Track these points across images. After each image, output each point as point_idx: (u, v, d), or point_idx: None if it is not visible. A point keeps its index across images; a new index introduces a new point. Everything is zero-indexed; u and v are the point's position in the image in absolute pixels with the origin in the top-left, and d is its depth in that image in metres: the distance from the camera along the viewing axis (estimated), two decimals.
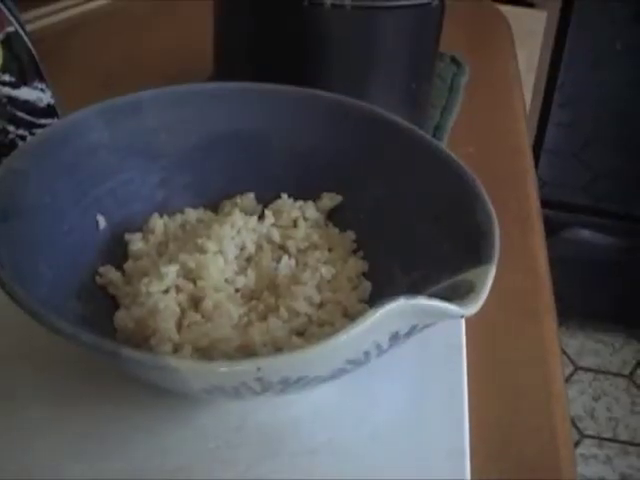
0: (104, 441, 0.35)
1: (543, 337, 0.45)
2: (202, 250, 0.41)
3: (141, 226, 0.44)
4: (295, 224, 0.44)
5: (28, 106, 0.49)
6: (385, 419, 0.37)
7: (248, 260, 0.42)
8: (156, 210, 0.44)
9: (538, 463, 0.37)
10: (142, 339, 0.37)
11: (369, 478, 0.34)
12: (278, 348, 0.36)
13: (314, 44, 0.52)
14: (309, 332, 0.38)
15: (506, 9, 0.94)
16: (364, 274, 0.42)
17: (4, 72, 0.48)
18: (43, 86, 0.50)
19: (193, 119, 0.45)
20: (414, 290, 0.31)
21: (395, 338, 0.31)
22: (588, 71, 1.33)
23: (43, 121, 0.50)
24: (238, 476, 0.34)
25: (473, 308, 0.30)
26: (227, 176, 0.46)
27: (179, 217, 0.44)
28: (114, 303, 0.40)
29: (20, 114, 0.49)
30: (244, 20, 0.54)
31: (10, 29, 0.47)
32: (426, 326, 0.31)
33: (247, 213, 0.44)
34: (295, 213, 0.44)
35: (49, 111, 0.51)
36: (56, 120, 0.51)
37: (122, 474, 0.34)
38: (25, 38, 0.48)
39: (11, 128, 0.49)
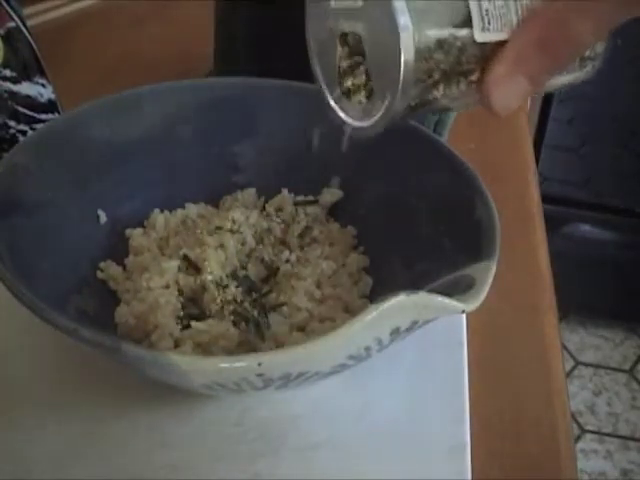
0: (104, 438, 0.35)
1: (544, 332, 0.45)
2: (203, 245, 0.41)
3: (142, 221, 0.44)
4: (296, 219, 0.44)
5: (29, 101, 0.49)
6: (385, 415, 0.37)
7: (249, 255, 0.42)
8: (157, 205, 0.44)
9: (539, 458, 0.37)
10: (143, 334, 0.37)
11: (369, 475, 0.34)
12: (279, 344, 0.36)
13: None
14: (310, 327, 0.38)
15: None
16: (365, 269, 0.42)
17: (5, 67, 0.48)
18: (44, 81, 0.50)
19: (193, 114, 0.45)
20: (415, 285, 0.31)
21: (396, 333, 0.31)
22: None
23: (44, 116, 0.50)
24: (238, 472, 0.34)
25: (474, 304, 0.30)
26: (228, 171, 0.46)
27: (180, 212, 0.44)
28: (115, 298, 0.40)
29: (21, 109, 0.49)
30: (244, 15, 0.54)
31: (11, 24, 0.47)
32: (427, 322, 0.31)
33: (248, 208, 0.44)
34: None
35: (50, 106, 0.51)
36: (57, 115, 0.51)
37: (122, 471, 0.34)
38: (26, 33, 0.48)
39: (12, 123, 0.49)
